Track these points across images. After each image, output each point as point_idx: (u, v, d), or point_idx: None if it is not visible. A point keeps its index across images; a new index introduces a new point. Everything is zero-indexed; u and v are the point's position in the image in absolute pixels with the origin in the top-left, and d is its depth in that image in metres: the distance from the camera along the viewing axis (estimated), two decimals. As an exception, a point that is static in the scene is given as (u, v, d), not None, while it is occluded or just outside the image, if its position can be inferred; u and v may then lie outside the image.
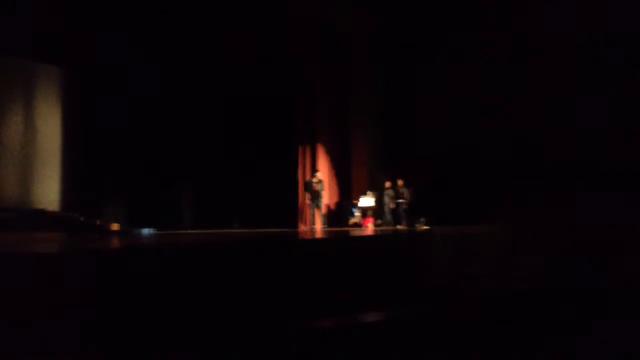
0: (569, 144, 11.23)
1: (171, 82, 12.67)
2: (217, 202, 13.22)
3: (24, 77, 11.66)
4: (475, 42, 12.60)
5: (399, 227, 12.76)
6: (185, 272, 4.93)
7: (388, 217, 13.27)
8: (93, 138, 12.09)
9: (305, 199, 13.71)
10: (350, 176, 15.08)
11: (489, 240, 8.72)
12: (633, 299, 5.48)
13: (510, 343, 4.62)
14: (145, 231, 10.87)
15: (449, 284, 6.68)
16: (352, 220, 14.27)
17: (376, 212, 13.89)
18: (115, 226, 11.38)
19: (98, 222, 11.46)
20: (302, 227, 13.87)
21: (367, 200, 14.08)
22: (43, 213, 10.98)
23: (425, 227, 11.98)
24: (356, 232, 11.25)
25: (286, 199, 14.10)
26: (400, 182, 13.16)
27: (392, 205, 13.17)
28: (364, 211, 14.11)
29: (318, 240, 8.42)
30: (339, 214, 14.63)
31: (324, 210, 13.31)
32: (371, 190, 14.12)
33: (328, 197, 14.28)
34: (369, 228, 13.26)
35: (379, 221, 13.61)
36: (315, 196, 12.85)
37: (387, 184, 13.34)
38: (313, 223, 12.95)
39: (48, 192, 11.79)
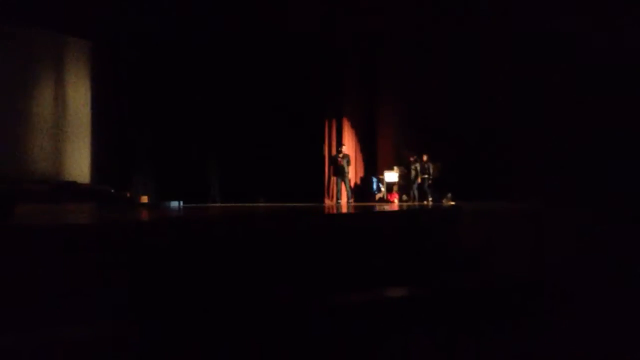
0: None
1: (198, 55, 12.67)
2: (244, 176, 13.31)
3: (54, 50, 11.76)
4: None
5: (425, 202, 12.68)
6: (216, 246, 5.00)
7: (415, 192, 13.14)
8: (123, 111, 12.22)
9: (331, 173, 13.71)
10: (376, 151, 15.00)
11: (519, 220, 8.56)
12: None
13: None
14: (174, 204, 11.03)
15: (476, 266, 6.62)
16: (378, 196, 14.25)
17: (402, 187, 13.82)
18: (144, 198, 11.59)
19: (128, 195, 11.69)
20: (328, 202, 13.91)
21: (392, 175, 14.01)
22: (74, 185, 11.22)
23: (452, 203, 11.89)
24: (380, 207, 11.23)
25: (312, 173, 14.10)
26: (425, 157, 13.02)
27: (419, 180, 13.06)
28: (390, 186, 14.06)
29: (336, 215, 8.35)
30: (365, 188, 14.61)
31: (350, 184, 13.28)
32: (397, 165, 14.03)
33: (353, 171, 14.24)
34: (394, 203, 13.22)
35: (405, 197, 13.54)
36: (341, 171, 12.81)
37: (412, 159, 13.21)
38: (339, 198, 12.94)
39: (79, 165, 12.01)
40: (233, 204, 12.19)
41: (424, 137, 13.53)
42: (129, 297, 4.10)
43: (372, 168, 14.93)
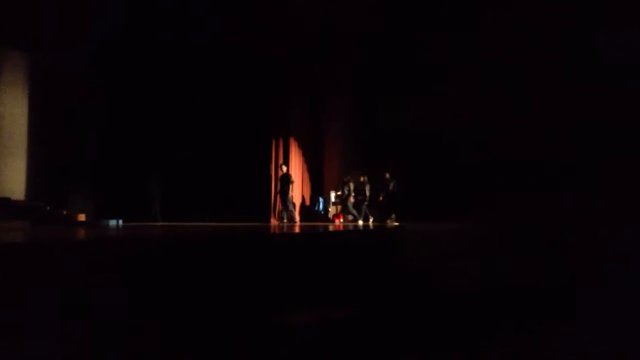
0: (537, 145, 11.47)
1: (142, 71, 12.53)
2: (188, 194, 13.13)
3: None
4: (445, 41, 12.61)
5: (363, 223, 12.73)
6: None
7: (352, 212, 13.09)
8: (60, 127, 11.88)
9: (276, 193, 13.69)
10: (322, 171, 15.12)
11: (461, 238, 8.82)
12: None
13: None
14: (112, 222, 10.74)
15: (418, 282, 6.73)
16: (332, 213, 14.38)
17: (344, 207, 13.94)
18: (82, 217, 11.24)
19: (65, 212, 11.32)
20: (273, 222, 13.86)
21: (334, 196, 14.21)
22: (7, 202, 10.79)
23: (396, 224, 12.08)
24: (320, 228, 11.25)
25: (258, 192, 14.04)
26: (362, 178, 13.14)
27: (351, 200, 13.04)
28: (335, 205, 14.21)
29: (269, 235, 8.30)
30: (312, 209, 14.66)
31: (293, 204, 13.25)
32: (342, 185, 14.20)
33: (299, 191, 14.28)
34: (337, 224, 13.29)
35: (350, 217, 13.65)
36: (283, 190, 12.73)
37: (345, 179, 13.28)
38: (284, 218, 12.91)
39: (13, 181, 11.56)
40: (175, 223, 11.95)
41: (369, 157, 13.75)
42: (60, 319, 3.96)
43: (319, 188, 15.02)
